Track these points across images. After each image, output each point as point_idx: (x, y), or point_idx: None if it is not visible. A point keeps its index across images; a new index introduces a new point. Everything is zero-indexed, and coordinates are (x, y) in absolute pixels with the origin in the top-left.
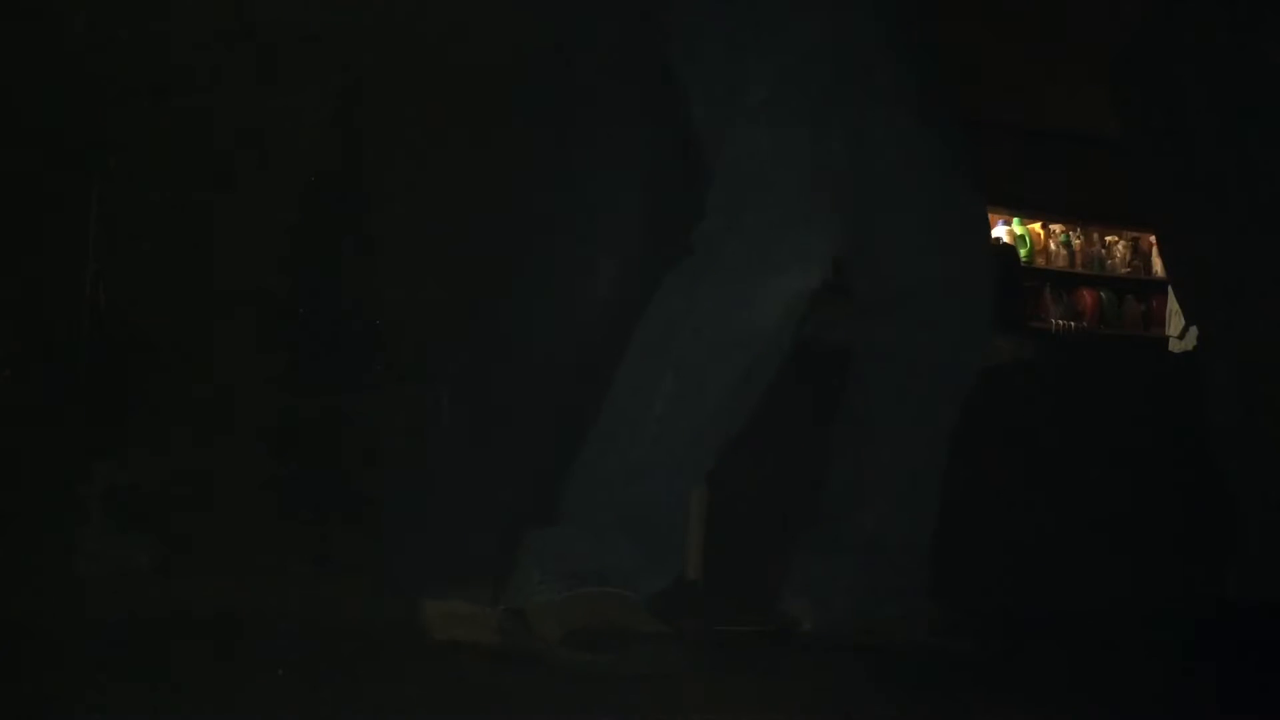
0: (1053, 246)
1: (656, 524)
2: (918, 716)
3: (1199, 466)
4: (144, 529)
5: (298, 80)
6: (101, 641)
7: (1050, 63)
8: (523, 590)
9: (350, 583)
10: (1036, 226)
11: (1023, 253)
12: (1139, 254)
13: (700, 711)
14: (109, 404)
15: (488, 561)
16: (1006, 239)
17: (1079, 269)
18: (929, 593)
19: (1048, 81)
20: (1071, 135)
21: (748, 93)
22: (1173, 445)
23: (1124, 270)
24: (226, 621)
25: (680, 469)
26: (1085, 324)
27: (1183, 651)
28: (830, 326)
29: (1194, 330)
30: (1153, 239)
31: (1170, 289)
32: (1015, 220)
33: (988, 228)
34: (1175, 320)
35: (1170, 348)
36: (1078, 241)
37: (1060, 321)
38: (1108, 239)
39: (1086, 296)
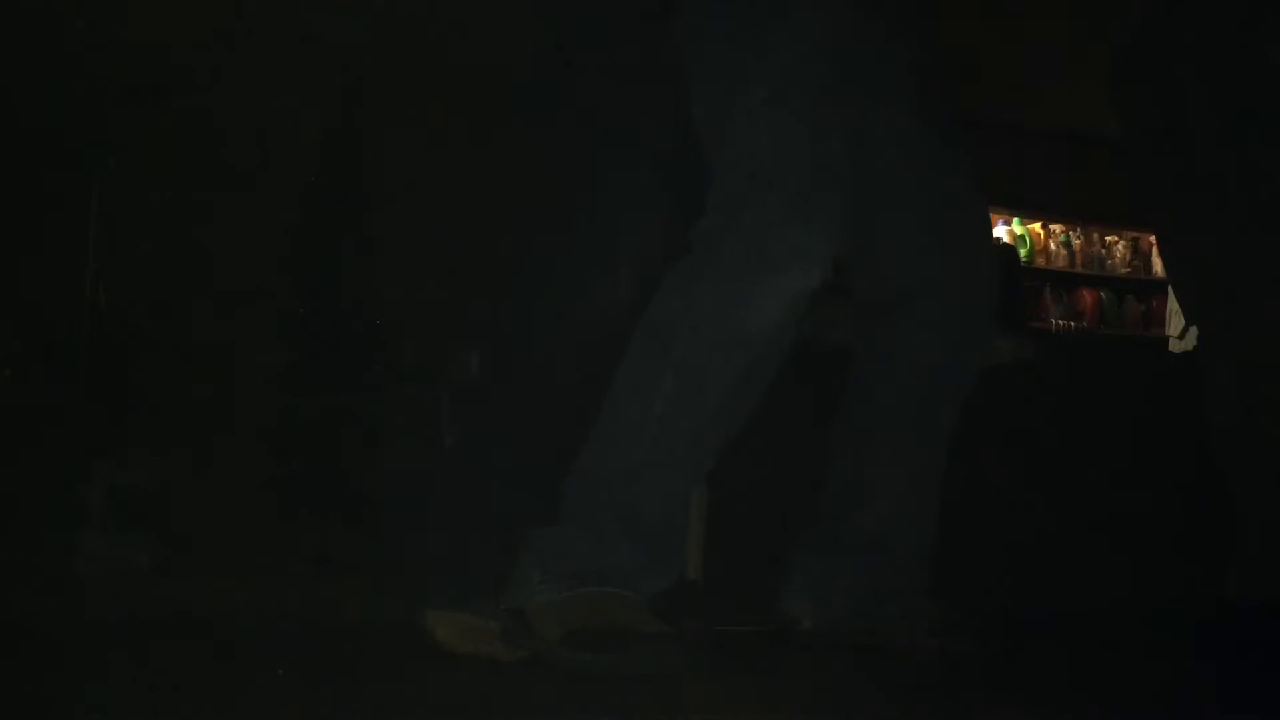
0: (1053, 246)
1: (657, 524)
2: (918, 716)
3: (1199, 466)
4: (144, 529)
5: (298, 80)
6: (101, 641)
7: (1050, 63)
8: (523, 590)
9: (350, 583)
10: (1036, 226)
11: (1023, 253)
12: (1139, 254)
13: (700, 711)
14: (109, 404)
15: (488, 562)
16: (1006, 239)
17: (1079, 269)
18: (929, 593)
19: (1048, 81)
20: (1071, 135)
21: (748, 92)
22: (1173, 445)
23: (1124, 270)
24: (226, 621)
25: (680, 469)
26: (1085, 324)
27: (1183, 651)
28: (830, 326)
29: (1194, 330)
30: (1153, 239)
31: (1170, 289)
32: (1015, 220)
33: (988, 228)
34: (1175, 320)
35: (1170, 348)
36: (1078, 241)
37: (1060, 321)
38: (1108, 239)
39: (1086, 296)
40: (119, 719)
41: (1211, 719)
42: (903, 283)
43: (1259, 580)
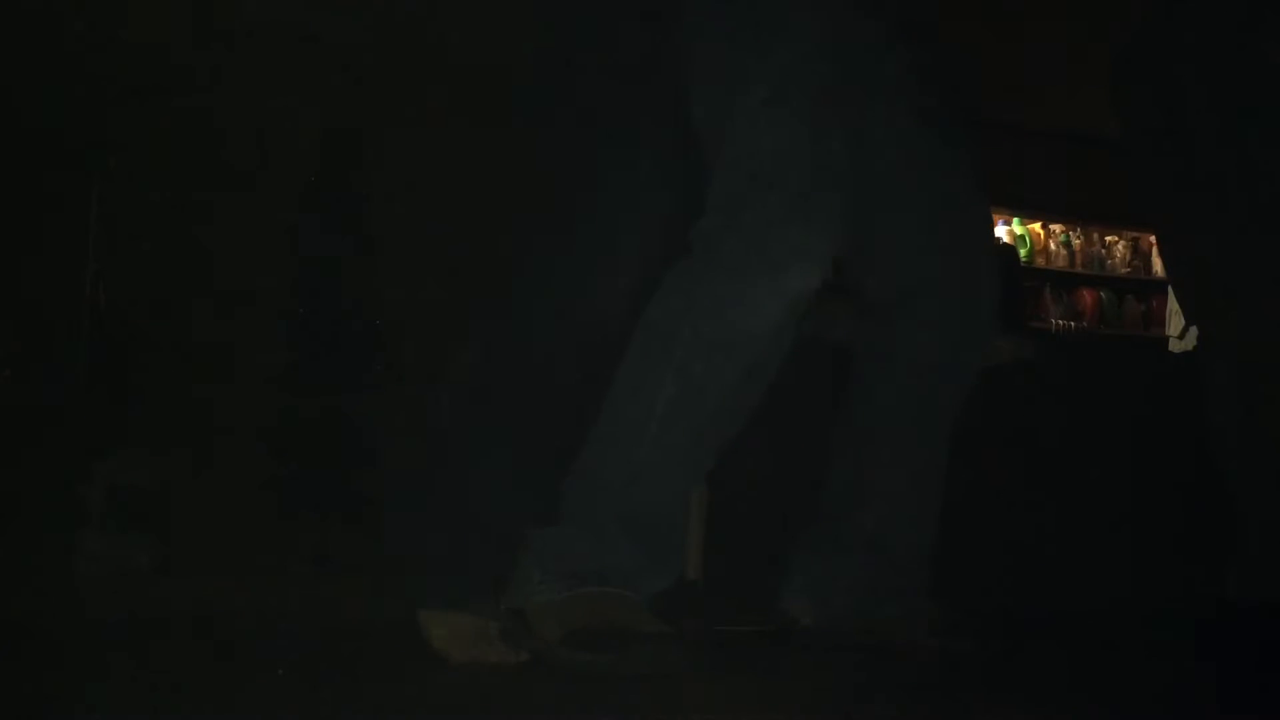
0: (1053, 246)
1: (656, 524)
2: (918, 716)
3: (1199, 466)
4: (144, 529)
5: (298, 80)
6: (101, 641)
7: (1050, 63)
8: (523, 590)
9: (350, 583)
10: (1036, 226)
11: (1023, 253)
12: (1139, 254)
13: (700, 711)
14: (109, 404)
15: (488, 562)
16: (1006, 239)
17: (1079, 269)
18: (929, 593)
19: (1048, 81)
20: (1071, 135)
21: (748, 92)
22: (1173, 445)
23: (1124, 270)
24: (226, 621)
25: (680, 469)
26: (1085, 324)
27: (1183, 651)
28: (830, 326)
29: (1194, 330)
30: (1153, 239)
31: (1170, 289)
32: (1015, 220)
33: (989, 228)
34: (1175, 320)
35: (1170, 348)
36: (1078, 241)
37: (1060, 321)
38: (1108, 239)
39: (1086, 296)
40: (119, 719)
41: (1211, 719)
42: (903, 283)
43: (1259, 580)
